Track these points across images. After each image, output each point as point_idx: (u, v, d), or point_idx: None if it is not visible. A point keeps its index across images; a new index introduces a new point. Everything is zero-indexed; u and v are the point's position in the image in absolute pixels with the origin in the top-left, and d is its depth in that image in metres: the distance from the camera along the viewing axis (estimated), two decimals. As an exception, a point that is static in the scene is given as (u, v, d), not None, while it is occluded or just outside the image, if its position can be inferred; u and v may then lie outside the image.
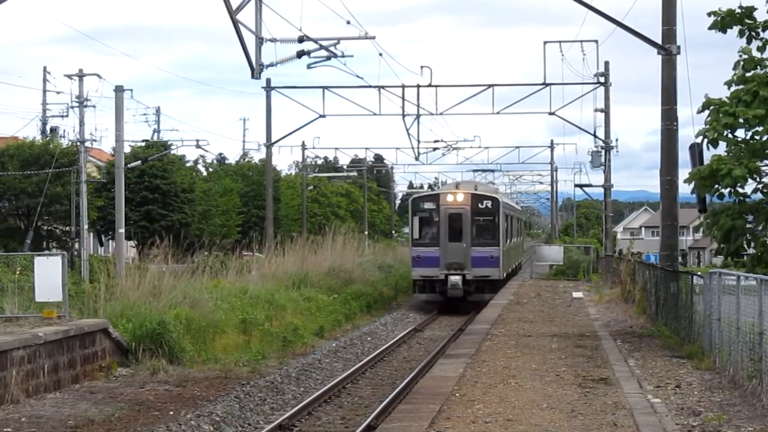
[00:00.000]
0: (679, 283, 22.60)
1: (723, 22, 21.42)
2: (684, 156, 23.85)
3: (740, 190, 20.46)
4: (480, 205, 40.91)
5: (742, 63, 20.76)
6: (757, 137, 20.47)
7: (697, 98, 21.63)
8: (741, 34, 21.26)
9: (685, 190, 25.53)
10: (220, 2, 25.31)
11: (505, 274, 43.61)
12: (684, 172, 23.70)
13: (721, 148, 20.71)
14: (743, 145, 20.54)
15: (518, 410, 13.92)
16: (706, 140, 20.50)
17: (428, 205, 41.43)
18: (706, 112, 20.65)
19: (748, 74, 20.49)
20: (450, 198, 41.14)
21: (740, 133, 20.76)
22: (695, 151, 21.99)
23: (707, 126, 20.47)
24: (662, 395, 15.27)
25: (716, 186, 20.28)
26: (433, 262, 40.37)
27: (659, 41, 24.55)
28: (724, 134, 20.37)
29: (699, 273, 22.45)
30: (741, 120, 20.10)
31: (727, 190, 20.35)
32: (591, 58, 59.38)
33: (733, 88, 20.62)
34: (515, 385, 16.14)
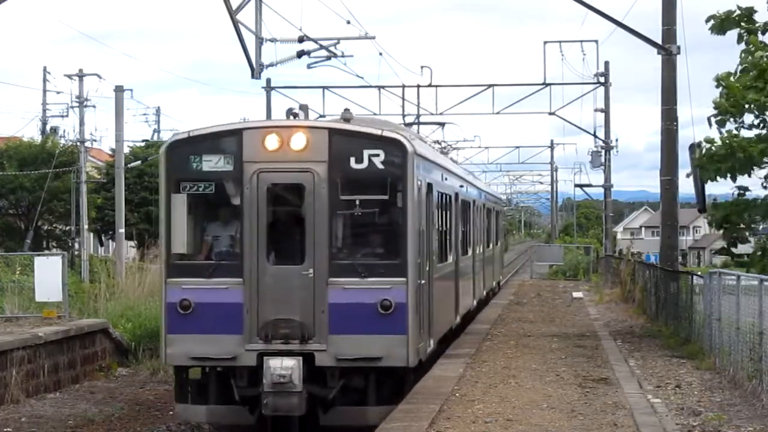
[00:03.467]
0: (679, 283, 22.60)
1: (722, 24, 21.41)
2: (684, 156, 23.88)
3: (740, 176, 20.48)
4: (355, 164, 15.56)
5: (750, 47, 20.62)
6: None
7: (697, 98, 21.66)
8: (740, 38, 21.22)
9: (685, 190, 25.56)
10: (220, 2, 25.31)
11: (429, 347, 17.57)
12: (684, 172, 23.73)
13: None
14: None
15: (518, 410, 13.90)
16: (714, 120, 20.46)
17: (212, 163, 15.68)
18: (713, 100, 20.61)
19: (756, 58, 20.38)
20: (272, 143, 15.64)
21: (747, 120, 20.77)
22: (695, 150, 22.00)
23: (714, 104, 20.42)
24: (662, 395, 15.26)
25: (719, 166, 20.16)
26: (224, 318, 15.49)
27: (659, 41, 24.54)
28: (734, 116, 20.36)
29: (699, 273, 22.45)
30: (748, 105, 20.09)
31: (728, 176, 20.31)
32: (591, 58, 58.77)
33: (739, 74, 20.57)
34: (515, 385, 16.12)
